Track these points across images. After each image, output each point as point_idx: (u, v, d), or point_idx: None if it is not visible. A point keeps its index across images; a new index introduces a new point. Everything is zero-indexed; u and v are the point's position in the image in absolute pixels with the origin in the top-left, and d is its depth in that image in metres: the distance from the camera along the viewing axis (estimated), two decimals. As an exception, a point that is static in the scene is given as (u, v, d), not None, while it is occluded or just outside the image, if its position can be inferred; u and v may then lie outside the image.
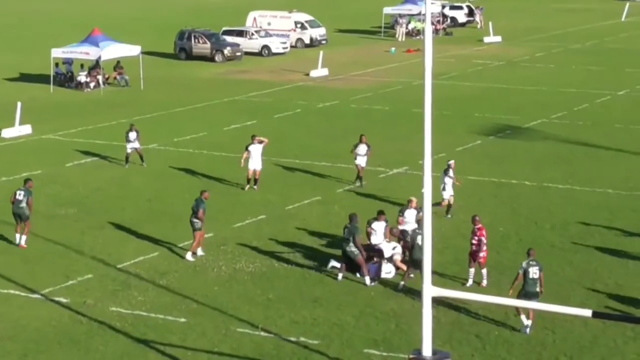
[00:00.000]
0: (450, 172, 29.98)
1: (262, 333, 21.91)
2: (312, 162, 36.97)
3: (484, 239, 24.26)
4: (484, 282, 24.32)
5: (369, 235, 25.61)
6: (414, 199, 26.39)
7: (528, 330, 21.77)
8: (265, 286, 24.67)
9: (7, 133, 42.15)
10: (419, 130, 17.46)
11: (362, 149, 33.19)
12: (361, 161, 33.22)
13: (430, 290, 17.04)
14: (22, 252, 27.25)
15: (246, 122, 44.37)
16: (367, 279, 24.64)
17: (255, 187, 32.91)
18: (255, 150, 32.87)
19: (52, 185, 34.17)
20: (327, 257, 26.14)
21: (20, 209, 27.61)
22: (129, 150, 36.26)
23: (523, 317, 21.82)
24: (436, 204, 29.51)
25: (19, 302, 23.81)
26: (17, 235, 27.74)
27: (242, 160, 33.11)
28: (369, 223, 25.77)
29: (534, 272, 21.67)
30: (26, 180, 28.58)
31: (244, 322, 22.45)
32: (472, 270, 24.46)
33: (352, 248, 24.79)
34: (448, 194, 29.92)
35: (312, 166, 36.44)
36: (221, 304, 23.54)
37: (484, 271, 24.31)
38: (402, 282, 24.27)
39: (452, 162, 30.46)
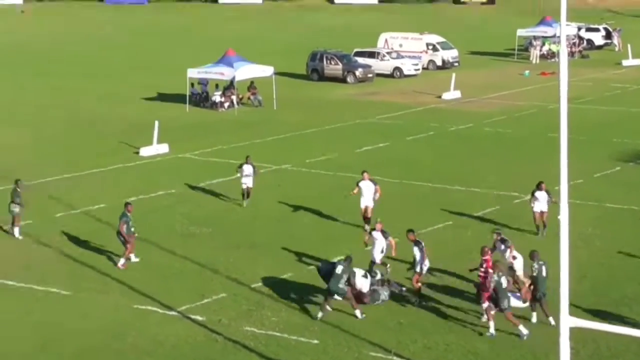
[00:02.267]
0: None
1: (395, 358, 21.77)
2: (444, 186, 36.66)
3: (491, 270, 22.97)
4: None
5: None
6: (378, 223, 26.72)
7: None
8: (397, 310, 24.53)
9: (145, 152, 43.00)
10: (554, 155, 17.11)
11: (542, 196, 29.75)
12: (540, 207, 29.79)
13: (567, 321, 16.63)
14: (160, 270, 27.77)
15: (379, 144, 44.38)
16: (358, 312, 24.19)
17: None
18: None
19: (187, 204, 34.82)
20: (460, 283, 25.83)
21: (117, 233, 28.09)
22: (243, 186, 34.21)
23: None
24: None
25: (157, 319, 24.31)
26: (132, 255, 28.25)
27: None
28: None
29: (545, 270, 22.74)
30: (126, 204, 28.39)
31: (376, 346, 22.36)
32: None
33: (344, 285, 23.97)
34: None
35: (444, 190, 36.14)
36: (353, 327, 23.50)
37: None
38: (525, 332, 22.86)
39: None
